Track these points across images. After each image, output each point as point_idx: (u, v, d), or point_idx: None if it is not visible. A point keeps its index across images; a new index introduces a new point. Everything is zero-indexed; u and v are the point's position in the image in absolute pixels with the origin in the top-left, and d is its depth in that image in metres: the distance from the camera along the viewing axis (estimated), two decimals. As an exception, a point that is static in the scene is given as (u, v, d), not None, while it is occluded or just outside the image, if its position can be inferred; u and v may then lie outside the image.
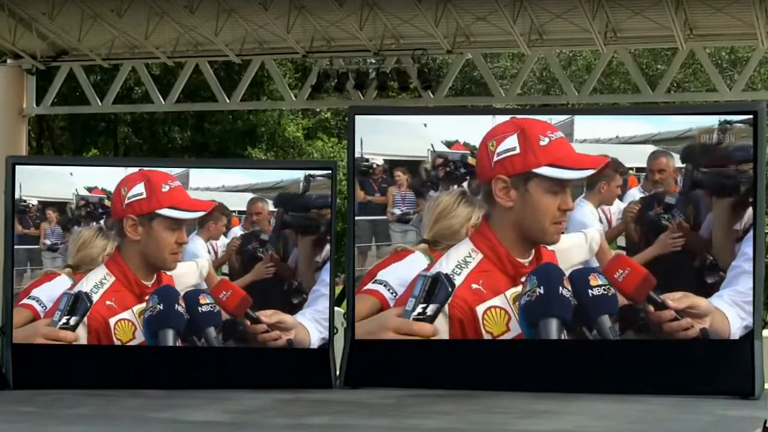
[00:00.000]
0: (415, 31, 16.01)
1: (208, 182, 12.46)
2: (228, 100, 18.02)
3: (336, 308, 12.89)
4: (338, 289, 14.34)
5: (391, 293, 11.80)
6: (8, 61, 17.82)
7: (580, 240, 11.47)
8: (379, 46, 16.32)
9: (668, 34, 15.27)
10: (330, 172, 12.67)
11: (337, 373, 12.24)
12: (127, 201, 12.26)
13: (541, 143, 11.34)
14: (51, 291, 12.36)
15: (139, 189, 12.24)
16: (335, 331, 12.34)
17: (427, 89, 16.71)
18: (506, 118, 11.92)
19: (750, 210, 11.30)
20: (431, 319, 11.59)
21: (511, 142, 11.38)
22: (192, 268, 12.28)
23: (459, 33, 16.11)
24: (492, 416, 9.99)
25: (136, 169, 12.46)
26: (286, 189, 12.46)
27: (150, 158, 22.90)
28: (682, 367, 11.29)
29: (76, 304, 12.23)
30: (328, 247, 12.35)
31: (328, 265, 12.36)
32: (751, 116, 11.43)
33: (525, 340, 11.52)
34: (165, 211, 12.20)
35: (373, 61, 17.82)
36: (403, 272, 11.83)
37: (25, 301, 12.34)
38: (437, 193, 11.90)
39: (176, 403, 10.89)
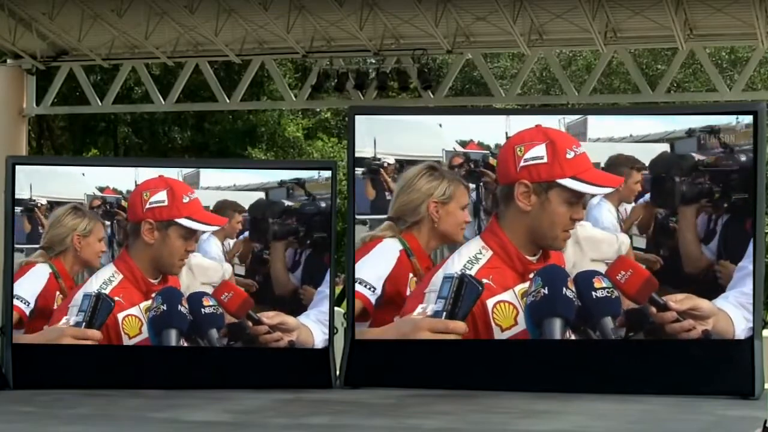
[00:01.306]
0: (415, 31, 16.02)
1: (219, 182, 12.57)
2: (228, 100, 18.03)
3: (336, 308, 12.90)
4: (338, 289, 14.34)
5: (370, 290, 11.87)
6: (8, 61, 17.83)
7: (612, 239, 11.56)
8: (379, 46, 16.33)
9: (668, 34, 15.27)
10: (329, 172, 12.72)
11: (337, 373, 12.24)
12: (148, 206, 12.40)
13: (567, 156, 11.52)
14: (30, 285, 12.39)
15: (162, 196, 12.41)
16: (335, 331, 12.35)
17: (427, 89, 16.71)
18: (522, 118, 12.10)
19: (715, 213, 11.43)
20: (463, 317, 11.65)
21: (539, 151, 11.55)
22: (217, 266, 12.38)
23: (459, 33, 16.12)
24: (492, 416, 9.99)
25: (155, 174, 12.55)
26: (266, 198, 12.52)
27: (153, 158, 22.89)
28: (682, 367, 11.29)
29: (98, 304, 12.32)
30: (299, 250, 12.39)
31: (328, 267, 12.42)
32: (721, 124, 11.55)
33: (525, 340, 11.54)
34: (183, 221, 12.38)
35: (373, 61, 17.83)
36: (375, 263, 11.90)
37: None
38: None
39: (176, 403, 10.89)
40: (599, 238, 11.55)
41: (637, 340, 11.43)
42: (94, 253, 12.47)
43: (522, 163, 11.58)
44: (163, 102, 18.22)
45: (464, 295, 11.60)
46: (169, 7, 15.69)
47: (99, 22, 16.29)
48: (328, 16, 15.80)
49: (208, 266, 12.37)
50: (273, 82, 22.67)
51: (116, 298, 12.34)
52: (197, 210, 12.41)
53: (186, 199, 12.42)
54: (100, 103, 18.59)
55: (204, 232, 12.40)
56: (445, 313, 11.66)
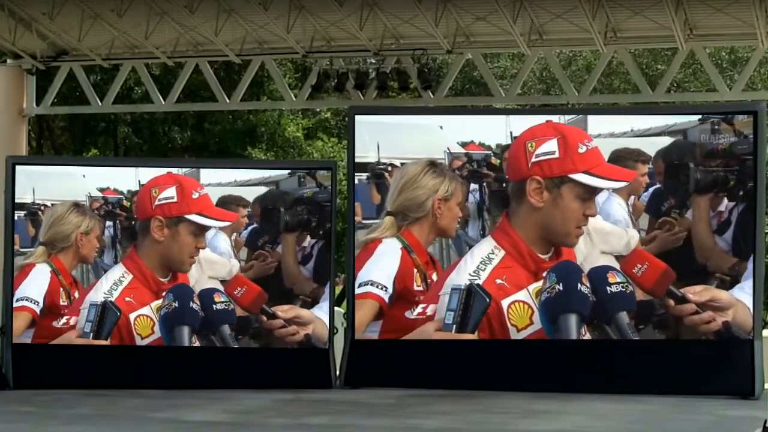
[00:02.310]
0: (415, 31, 16.02)
1: (220, 178, 12.57)
2: (228, 100, 18.02)
3: (336, 308, 12.91)
4: (338, 289, 14.34)
5: (382, 289, 11.88)
6: (8, 61, 17.83)
7: (621, 232, 11.50)
8: (379, 46, 16.32)
9: (668, 34, 15.27)
10: (330, 171, 12.74)
11: (337, 373, 12.24)
12: (157, 202, 12.39)
13: (579, 150, 11.47)
14: (36, 285, 12.41)
15: (171, 192, 12.39)
16: (335, 331, 12.35)
17: (427, 89, 16.71)
18: (522, 118, 12.07)
19: (726, 201, 11.36)
20: (472, 330, 11.61)
21: (551, 146, 11.50)
22: (225, 262, 12.37)
23: (459, 33, 16.12)
24: (492, 416, 9.99)
25: (164, 171, 12.55)
26: (276, 188, 12.54)
27: (154, 158, 22.88)
28: (682, 367, 11.29)
29: (105, 314, 12.31)
30: (309, 239, 12.38)
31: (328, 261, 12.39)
32: (743, 115, 11.53)
33: (524, 341, 11.54)
34: (194, 217, 12.35)
35: (373, 61, 17.83)
36: (381, 264, 11.91)
37: (17, 303, 12.38)
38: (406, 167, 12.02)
39: (176, 403, 10.89)
40: (608, 231, 11.50)
41: (637, 340, 11.42)
42: (91, 250, 12.49)
43: (534, 159, 11.53)
44: (163, 102, 18.21)
45: (473, 306, 11.57)
46: (169, 7, 15.69)
47: (99, 22, 16.28)
48: (328, 16, 15.79)
49: (216, 260, 12.35)
50: (273, 82, 22.67)
51: (126, 299, 12.33)
52: (207, 206, 12.39)
53: (196, 195, 12.39)
54: (100, 103, 18.58)
55: (212, 227, 12.36)
56: (455, 326, 11.63)
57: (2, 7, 16.01)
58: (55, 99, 18.71)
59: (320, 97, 18.41)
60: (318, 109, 27.83)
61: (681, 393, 11.12)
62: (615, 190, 11.54)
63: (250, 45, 16.93)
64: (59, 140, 27.74)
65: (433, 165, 11.94)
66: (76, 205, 12.50)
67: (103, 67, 18.78)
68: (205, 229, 12.36)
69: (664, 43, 17.22)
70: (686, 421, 9.84)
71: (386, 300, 11.87)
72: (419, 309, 11.79)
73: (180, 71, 18.02)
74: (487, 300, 11.53)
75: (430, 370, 11.77)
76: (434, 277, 11.86)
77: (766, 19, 14.80)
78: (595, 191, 11.47)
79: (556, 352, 11.50)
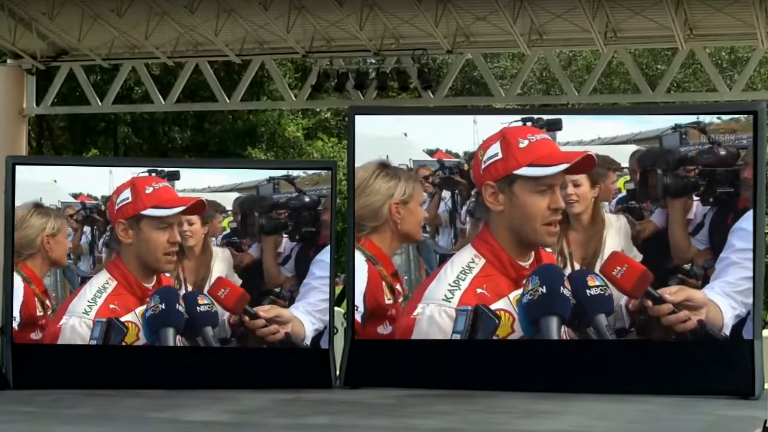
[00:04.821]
0: (415, 31, 16.02)
1: (194, 183, 12.50)
2: (228, 100, 18.02)
3: (336, 308, 12.91)
4: (338, 289, 14.33)
5: (355, 309, 11.85)
6: (8, 61, 17.83)
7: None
8: (379, 46, 16.33)
9: (668, 34, 15.28)
10: (329, 171, 12.72)
11: (337, 373, 12.25)
12: (116, 207, 12.37)
13: (520, 145, 11.45)
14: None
15: (126, 194, 12.34)
16: (335, 331, 12.35)
17: (427, 89, 16.72)
18: (490, 118, 12.00)
19: (697, 204, 11.39)
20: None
21: (495, 149, 11.52)
22: (228, 258, 12.34)
23: (459, 33, 16.12)
24: (492, 416, 9.99)
25: (126, 178, 12.44)
26: (251, 191, 12.50)
27: (151, 159, 22.85)
28: (682, 367, 11.30)
29: (110, 331, 12.26)
30: (286, 242, 12.33)
31: (325, 258, 12.32)
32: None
33: (525, 341, 11.53)
34: (148, 211, 12.27)
35: (373, 61, 17.82)
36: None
37: None
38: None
39: (176, 403, 10.90)
40: (626, 232, 11.49)
41: (636, 340, 11.44)
42: (63, 252, 12.35)
43: (483, 166, 11.56)
44: (163, 102, 18.22)
45: (480, 328, 11.53)
46: (169, 7, 15.70)
47: (99, 22, 16.29)
48: (328, 16, 15.80)
49: (224, 257, 12.32)
50: (273, 82, 22.67)
51: (111, 306, 12.27)
52: (163, 198, 12.29)
53: (149, 190, 12.31)
54: (100, 103, 18.58)
55: (172, 215, 12.22)
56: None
57: (2, 7, 16.01)
58: (55, 99, 18.71)
59: (320, 97, 18.42)
60: (318, 109, 27.84)
61: (681, 393, 11.12)
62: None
63: (250, 45, 16.93)
64: (59, 140, 27.75)
65: (384, 167, 11.80)
66: (37, 206, 12.31)
67: (103, 67, 18.78)
68: (168, 221, 12.22)
69: (664, 43, 17.22)
70: (686, 421, 9.85)
71: (359, 320, 11.86)
72: (392, 327, 11.73)
73: (180, 71, 18.03)
74: (496, 321, 11.47)
75: (430, 370, 11.77)
76: (398, 288, 11.77)
77: (766, 19, 14.80)
78: (552, 182, 11.35)
79: (555, 352, 11.50)
